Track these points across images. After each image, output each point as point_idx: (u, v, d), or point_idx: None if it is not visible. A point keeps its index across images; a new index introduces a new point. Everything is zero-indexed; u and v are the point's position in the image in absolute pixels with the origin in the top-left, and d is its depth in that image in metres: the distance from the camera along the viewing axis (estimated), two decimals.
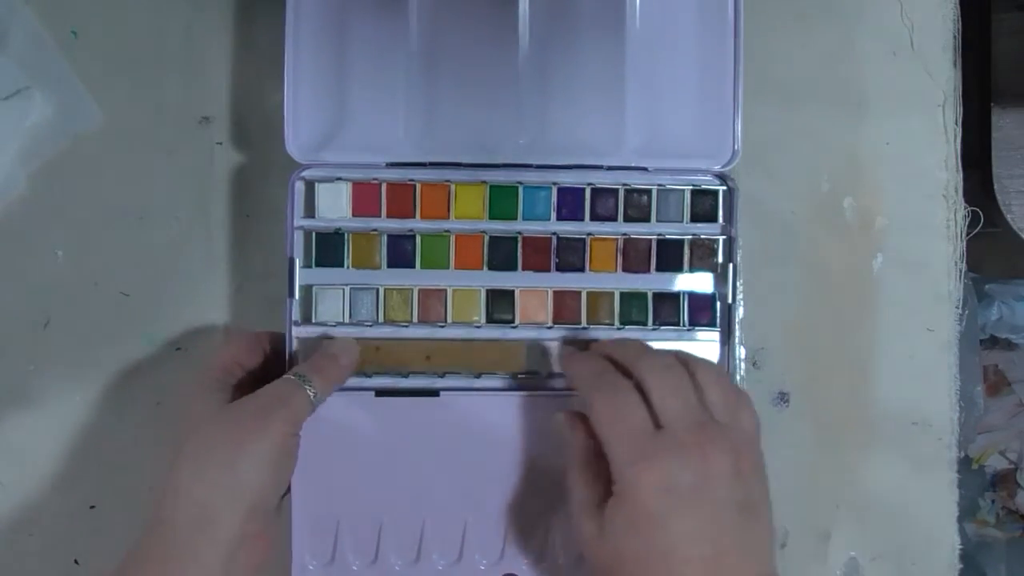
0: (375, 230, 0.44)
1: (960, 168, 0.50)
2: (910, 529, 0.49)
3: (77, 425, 0.47)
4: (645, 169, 0.45)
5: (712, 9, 0.45)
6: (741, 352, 0.48)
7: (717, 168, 0.45)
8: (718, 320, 0.45)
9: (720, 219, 0.45)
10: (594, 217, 0.45)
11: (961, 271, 0.50)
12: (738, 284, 0.46)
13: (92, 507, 0.47)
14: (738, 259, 0.45)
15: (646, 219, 0.45)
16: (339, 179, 0.44)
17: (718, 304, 0.45)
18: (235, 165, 0.47)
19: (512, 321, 0.45)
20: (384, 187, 0.44)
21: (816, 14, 0.50)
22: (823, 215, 0.50)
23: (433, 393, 0.44)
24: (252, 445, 0.37)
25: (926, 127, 0.50)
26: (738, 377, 0.47)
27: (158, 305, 0.47)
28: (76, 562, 0.47)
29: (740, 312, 0.47)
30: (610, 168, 0.45)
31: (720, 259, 0.45)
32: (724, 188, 0.45)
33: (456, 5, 0.44)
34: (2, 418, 0.46)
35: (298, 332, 0.43)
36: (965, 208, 0.50)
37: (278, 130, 0.43)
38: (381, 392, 0.43)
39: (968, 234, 0.51)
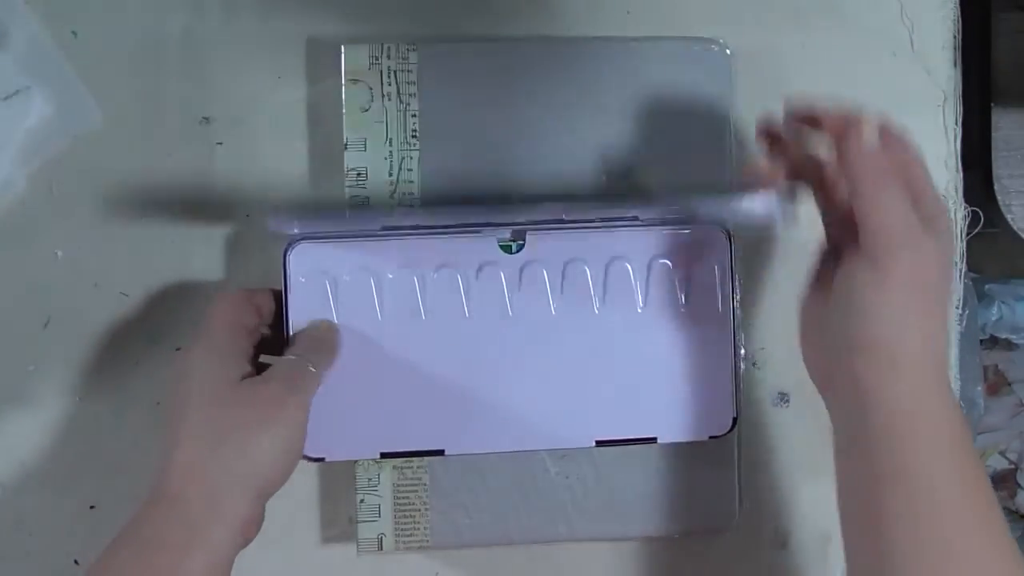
0: None
1: (960, 168, 0.50)
2: None
3: (77, 425, 0.47)
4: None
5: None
6: (741, 352, 0.48)
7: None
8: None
9: None
10: None
11: (961, 271, 0.50)
12: (737, 284, 0.46)
13: (92, 507, 0.47)
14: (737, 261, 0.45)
15: None
16: None
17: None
18: (235, 165, 0.47)
19: None
20: None
21: (816, 14, 0.50)
22: None
23: None
24: (269, 432, 0.38)
25: (926, 127, 0.50)
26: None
27: (158, 305, 0.47)
28: (76, 562, 0.47)
29: (740, 312, 0.47)
30: None
31: None
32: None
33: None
34: (2, 418, 0.46)
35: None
36: (965, 208, 0.50)
37: (278, 130, 0.43)
38: None
39: (968, 234, 0.51)
